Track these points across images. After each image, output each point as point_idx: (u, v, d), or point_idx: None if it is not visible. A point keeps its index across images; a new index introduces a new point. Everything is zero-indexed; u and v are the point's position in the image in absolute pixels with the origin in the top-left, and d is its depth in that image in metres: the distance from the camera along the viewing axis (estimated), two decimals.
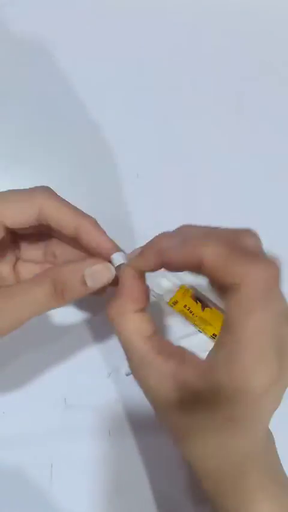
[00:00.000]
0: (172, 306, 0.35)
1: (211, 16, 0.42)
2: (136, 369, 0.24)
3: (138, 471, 0.33)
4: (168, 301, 0.35)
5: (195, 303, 0.34)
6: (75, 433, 0.34)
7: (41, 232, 0.28)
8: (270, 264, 0.21)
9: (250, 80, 0.41)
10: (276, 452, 0.26)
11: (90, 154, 0.39)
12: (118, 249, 0.27)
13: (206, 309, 0.34)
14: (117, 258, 0.26)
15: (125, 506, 0.33)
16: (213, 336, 0.35)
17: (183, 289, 0.35)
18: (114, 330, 0.25)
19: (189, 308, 0.34)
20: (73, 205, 0.27)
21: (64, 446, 0.33)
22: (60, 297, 0.24)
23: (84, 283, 0.24)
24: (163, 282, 0.35)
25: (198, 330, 0.36)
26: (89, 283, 0.24)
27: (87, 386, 0.34)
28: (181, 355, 0.24)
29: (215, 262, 0.20)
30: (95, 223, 0.27)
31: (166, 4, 0.41)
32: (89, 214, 0.37)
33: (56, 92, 0.39)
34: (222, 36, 0.42)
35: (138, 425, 0.34)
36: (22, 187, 0.36)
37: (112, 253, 0.26)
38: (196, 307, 0.34)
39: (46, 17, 0.40)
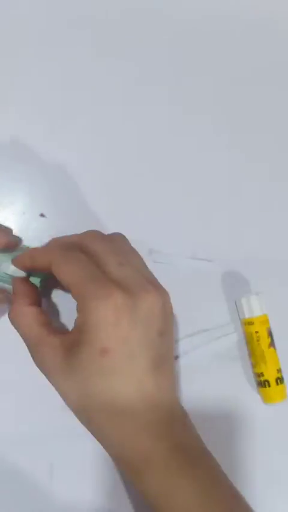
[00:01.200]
0: (244, 324, 0.36)
1: (211, 16, 0.42)
2: (34, 353, 0.29)
3: None
4: (245, 317, 0.35)
5: (266, 336, 0.35)
6: (75, 433, 0.33)
7: None
8: (63, 239, 0.32)
9: (250, 81, 0.41)
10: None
11: (90, 155, 0.39)
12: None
13: (271, 348, 0.35)
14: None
15: (125, 506, 0.33)
16: (260, 375, 0.35)
17: (265, 318, 0.35)
18: (16, 327, 0.30)
19: (258, 337, 0.35)
20: None
21: (64, 446, 0.33)
22: None
23: None
24: (253, 300, 0.35)
25: (250, 360, 0.36)
26: None
27: None
28: (68, 331, 0.29)
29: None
30: None
31: (165, 4, 0.41)
32: (89, 213, 0.38)
33: (55, 89, 0.39)
34: (222, 36, 0.42)
35: None
36: (20, 185, 0.35)
37: None
38: (265, 341, 0.35)
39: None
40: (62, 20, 0.40)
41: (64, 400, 0.28)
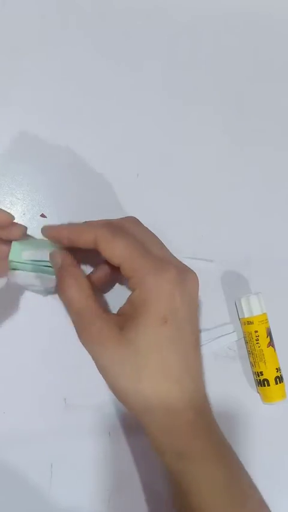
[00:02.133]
0: (244, 324, 0.36)
1: (211, 17, 0.42)
2: (88, 326, 0.28)
3: (138, 471, 0.33)
4: (245, 317, 0.36)
5: (266, 335, 0.35)
6: (75, 433, 0.34)
7: None
8: (108, 221, 0.31)
9: (250, 80, 0.41)
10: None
11: (90, 155, 0.39)
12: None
13: (270, 347, 0.35)
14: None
15: (125, 506, 0.33)
16: (259, 374, 0.35)
17: (264, 317, 0.36)
18: (68, 301, 0.29)
19: (257, 336, 0.35)
20: None
21: (64, 446, 0.33)
22: None
23: None
24: (253, 299, 0.35)
25: (249, 359, 0.36)
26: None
27: (87, 387, 0.34)
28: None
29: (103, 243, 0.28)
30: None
31: (166, 4, 0.41)
32: (89, 214, 0.38)
33: (55, 89, 0.39)
34: (221, 36, 0.42)
35: (138, 425, 0.34)
36: (20, 185, 0.36)
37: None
38: (264, 340, 0.35)
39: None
40: (62, 18, 0.40)
41: (110, 375, 0.28)
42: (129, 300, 0.29)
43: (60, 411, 0.34)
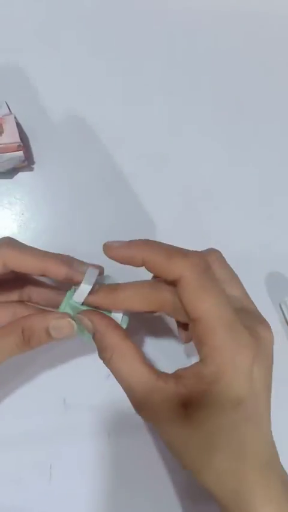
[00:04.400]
0: None
1: (211, 17, 0.42)
2: (142, 400, 0.24)
3: (138, 471, 0.33)
4: None
5: None
6: (75, 434, 0.33)
7: (16, 277, 0.30)
8: (197, 254, 0.25)
9: (250, 80, 0.41)
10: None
11: (88, 155, 0.39)
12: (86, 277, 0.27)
13: None
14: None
15: (125, 507, 0.33)
16: None
17: None
18: (114, 370, 0.25)
19: None
20: (36, 249, 0.28)
21: (63, 447, 0.33)
22: (26, 344, 0.27)
23: (49, 333, 0.27)
24: None
25: None
26: (53, 334, 0.27)
27: (86, 387, 0.34)
28: (169, 374, 0.25)
29: (154, 263, 0.24)
30: (60, 262, 0.27)
31: (165, 5, 0.41)
32: (87, 214, 0.38)
33: (53, 90, 0.39)
34: (221, 36, 0.42)
35: (138, 425, 0.34)
36: (19, 185, 0.35)
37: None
38: None
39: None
40: (62, 17, 0.40)
41: (176, 450, 0.25)
42: (197, 372, 0.24)
43: (59, 411, 0.34)
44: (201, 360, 0.24)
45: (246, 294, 0.28)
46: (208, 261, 0.25)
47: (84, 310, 0.26)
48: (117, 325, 0.26)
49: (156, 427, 0.25)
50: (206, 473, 0.24)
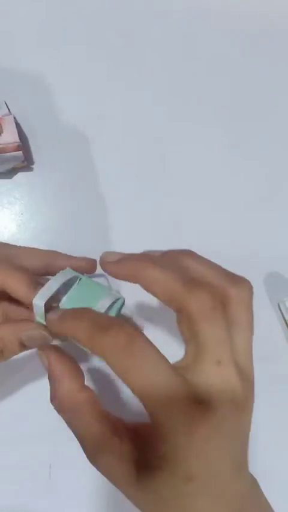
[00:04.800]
0: None
1: (211, 17, 0.42)
2: (95, 457, 0.24)
3: None
4: None
5: None
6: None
7: None
8: (206, 289, 0.23)
9: (250, 80, 0.41)
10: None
11: (88, 155, 0.39)
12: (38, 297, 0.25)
13: None
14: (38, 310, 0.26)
15: (124, 507, 0.33)
16: None
17: None
18: (67, 420, 0.24)
19: None
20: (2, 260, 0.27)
21: (63, 447, 0.33)
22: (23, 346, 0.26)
23: (22, 344, 0.26)
24: None
25: None
26: (27, 343, 0.26)
27: None
28: (130, 430, 0.24)
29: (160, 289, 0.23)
30: (22, 278, 0.26)
31: (166, 5, 0.41)
32: (87, 213, 0.38)
33: (53, 89, 0.39)
34: (221, 36, 0.42)
35: None
36: (18, 185, 0.35)
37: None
38: None
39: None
40: (61, 17, 0.40)
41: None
42: (150, 443, 0.23)
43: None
44: (156, 436, 0.22)
45: (249, 348, 0.24)
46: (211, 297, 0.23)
47: (44, 346, 0.26)
48: (74, 370, 0.25)
49: (114, 485, 0.24)
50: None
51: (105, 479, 0.33)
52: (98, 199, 0.38)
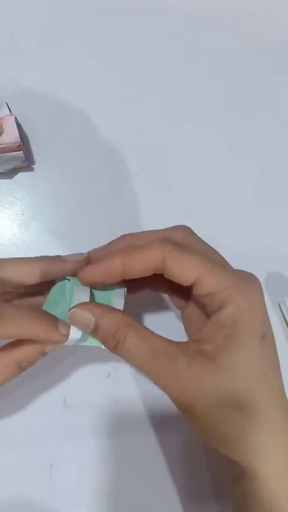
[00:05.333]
0: None
1: (211, 17, 0.42)
2: (170, 370, 0.23)
3: (138, 471, 0.33)
4: None
5: None
6: (75, 433, 0.34)
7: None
8: (167, 233, 0.27)
9: (250, 80, 0.41)
10: None
11: (89, 154, 0.39)
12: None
13: None
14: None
15: (124, 507, 0.33)
16: None
17: None
18: (129, 347, 0.24)
19: None
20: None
21: (63, 446, 0.33)
22: (21, 369, 0.26)
23: (44, 354, 0.26)
24: None
25: None
26: (48, 352, 0.26)
27: (86, 387, 0.34)
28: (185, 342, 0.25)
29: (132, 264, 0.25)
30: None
31: (166, 4, 0.41)
32: (88, 213, 0.38)
33: (53, 89, 0.39)
34: (221, 36, 0.42)
35: (138, 425, 0.34)
36: (19, 185, 0.35)
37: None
38: None
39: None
40: (61, 17, 0.40)
41: (210, 417, 0.23)
42: (215, 324, 0.24)
43: (59, 411, 0.34)
44: (213, 313, 0.24)
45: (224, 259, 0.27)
46: (174, 235, 0.26)
47: (78, 304, 0.25)
48: (115, 309, 0.25)
49: (185, 399, 0.23)
50: (247, 440, 0.23)
51: (105, 479, 0.33)
52: (98, 199, 0.38)
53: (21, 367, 0.26)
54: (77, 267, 0.27)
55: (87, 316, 0.24)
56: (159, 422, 0.34)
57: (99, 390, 0.34)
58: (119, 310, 0.25)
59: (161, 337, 0.24)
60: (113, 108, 0.39)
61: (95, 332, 0.24)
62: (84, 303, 0.25)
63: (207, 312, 0.25)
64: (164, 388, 0.23)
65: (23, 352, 0.26)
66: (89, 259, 0.28)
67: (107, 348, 0.25)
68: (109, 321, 0.24)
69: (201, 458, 0.34)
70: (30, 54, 0.40)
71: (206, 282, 0.24)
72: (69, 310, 0.25)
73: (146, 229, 0.37)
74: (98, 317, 0.24)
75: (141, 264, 0.24)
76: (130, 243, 0.27)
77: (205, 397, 0.23)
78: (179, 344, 0.24)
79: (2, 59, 0.39)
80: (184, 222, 0.38)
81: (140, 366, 0.23)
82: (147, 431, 0.34)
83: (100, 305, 0.25)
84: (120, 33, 0.41)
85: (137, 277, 0.25)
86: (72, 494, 0.33)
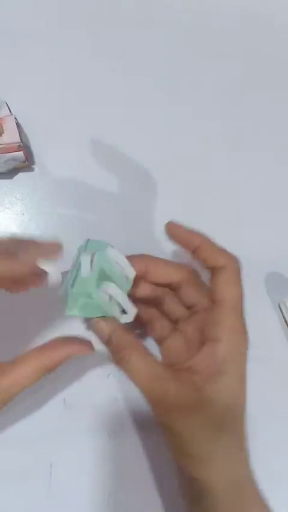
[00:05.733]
0: None
1: (211, 17, 0.42)
2: (161, 396, 0.26)
3: (138, 471, 0.33)
4: None
5: None
6: (74, 433, 0.34)
7: None
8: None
9: (250, 80, 0.41)
10: None
11: (88, 155, 0.39)
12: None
13: None
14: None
15: (124, 506, 0.33)
16: None
17: None
18: (131, 366, 0.26)
19: None
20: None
21: (63, 446, 0.33)
22: (48, 371, 0.28)
23: (70, 359, 0.28)
24: None
25: None
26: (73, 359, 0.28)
27: (86, 387, 0.34)
28: (179, 368, 0.28)
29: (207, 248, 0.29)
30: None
31: (166, 4, 0.41)
32: (88, 213, 0.38)
33: (54, 93, 0.39)
34: (221, 36, 0.42)
35: (138, 425, 0.34)
36: (19, 185, 0.35)
37: None
38: None
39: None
40: (62, 17, 0.41)
41: (186, 442, 0.27)
42: (209, 354, 0.27)
43: (59, 411, 0.34)
44: (207, 340, 0.27)
45: None
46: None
47: (100, 319, 0.28)
48: (128, 330, 0.28)
49: (169, 419, 0.26)
50: (212, 458, 0.26)
51: (105, 479, 0.33)
52: (98, 199, 0.38)
53: (48, 371, 0.27)
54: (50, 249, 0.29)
55: (104, 329, 0.27)
56: None
57: (99, 390, 0.34)
58: (131, 332, 0.28)
59: (159, 362, 0.27)
60: (114, 108, 0.39)
61: (107, 344, 0.28)
62: (106, 318, 0.28)
63: (201, 339, 0.28)
64: (153, 406, 0.27)
65: (51, 358, 0.27)
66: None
67: (112, 360, 0.27)
68: (119, 339, 0.27)
69: None
70: (31, 55, 0.40)
71: (211, 312, 0.28)
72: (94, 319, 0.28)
73: (145, 229, 0.37)
74: (111, 332, 0.27)
75: (166, 273, 0.29)
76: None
77: (186, 419, 0.26)
78: (173, 371, 0.27)
79: (2, 58, 0.39)
80: (184, 222, 0.38)
81: (137, 384, 0.26)
82: (147, 431, 0.34)
83: (117, 323, 0.28)
84: (121, 33, 0.41)
85: (155, 281, 0.29)
86: (72, 494, 0.33)
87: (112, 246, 0.28)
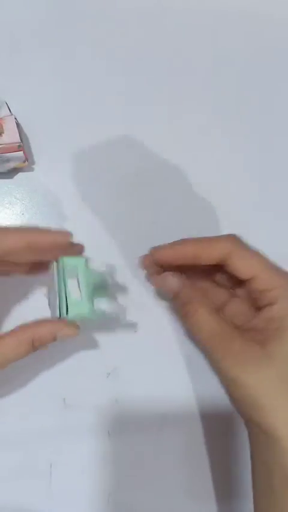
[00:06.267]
0: None
1: (211, 17, 0.42)
2: (226, 348, 0.28)
3: (138, 470, 0.33)
4: None
5: None
6: (74, 433, 0.34)
7: None
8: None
9: (250, 77, 0.41)
10: None
11: (88, 155, 0.39)
12: None
13: None
14: None
15: (124, 507, 0.33)
16: None
17: None
18: (196, 326, 0.28)
19: None
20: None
21: (63, 446, 0.33)
22: (33, 348, 0.28)
23: (55, 339, 0.29)
24: None
25: None
26: (59, 339, 0.29)
27: (86, 387, 0.34)
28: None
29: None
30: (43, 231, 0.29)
31: (166, 3, 0.41)
32: (87, 215, 0.38)
33: (53, 92, 0.39)
34: (221, 36, 0.42)
35: (138, 425, 0.34)
36: (19, 185, 0.35)
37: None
38: None
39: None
40: (62, 17, 0.41)
41: (254, 395, 0.27)
42: (267, 315, 0.29)
43: (59, 411, 0.34)
44: (263, 307, 0.29)
45: None
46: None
47: (169, 272, 0.30)
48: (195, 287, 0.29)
49: (236, 372, 0.27)
50: (280, 410, 0.27)
51: (105, 479, 0.33)
52: (98, 199, 0.38)
53: (33, 346, 0.28)
54: (62, 240, 0.29)
55: (174, 283, 0.29)
56: (159, 422, 0.34)
57: (99, 390, 0.34)
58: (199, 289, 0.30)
59: (223, 319, 0.28)
60: (114, 108, 0.39)
61: (175, 297, 0.29)
62: (173, 273, 0.30)
63: (258, 306, 0.29)
64: (219, 360, 0.28)
65: (37, 331, 0.28)
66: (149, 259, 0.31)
67: (178, 315, 0.31)
68: (187, 294, 0.29)
69: (201, 458, 0.34)
70: (30, 54, 0.40)
71: (261, 280, 0.29)
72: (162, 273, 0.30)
73: (147, 229, 0.37)
74: (180, 286, 0.29)
75: (210, 253, 0.29)
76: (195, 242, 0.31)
77: (251, 371, 0.27)
78: (237, 329, 0.28)
79: (2, 59, 0.39)
80: (184, 222, 0.38)
81: (201, 338, 0.28)
82: (147, 431, 0.34)
83: (185, 278, 0.30)
84: (121, 33, 0.41)
85: (203, 263, 0.29)
86: (72, 494, 0.33)
87: (87, 260, 0.29)
